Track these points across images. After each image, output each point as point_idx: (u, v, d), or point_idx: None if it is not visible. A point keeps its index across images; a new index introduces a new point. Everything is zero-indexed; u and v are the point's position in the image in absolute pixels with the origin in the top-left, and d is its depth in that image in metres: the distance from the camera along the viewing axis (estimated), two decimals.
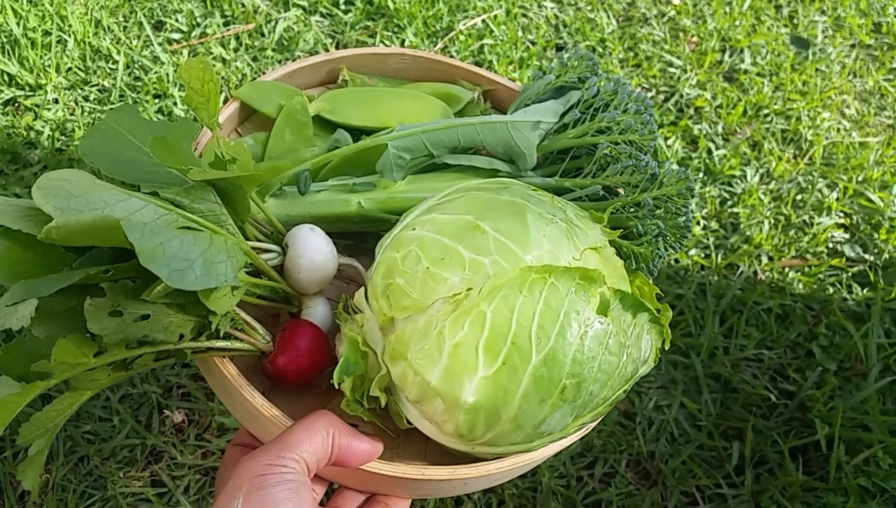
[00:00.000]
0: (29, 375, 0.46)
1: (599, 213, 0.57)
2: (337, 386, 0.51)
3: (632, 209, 0.60)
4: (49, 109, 1.15)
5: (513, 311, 0.46)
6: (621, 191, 0.63)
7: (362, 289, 0.53)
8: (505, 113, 0.74)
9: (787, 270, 1.18)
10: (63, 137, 1.13)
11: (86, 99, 1.18)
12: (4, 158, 1.08)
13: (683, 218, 0.59)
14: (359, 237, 0.64)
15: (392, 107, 0.68)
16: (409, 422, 0.51)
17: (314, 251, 0.54)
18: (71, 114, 1.16)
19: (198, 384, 0.92)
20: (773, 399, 1.02)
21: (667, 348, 0.54)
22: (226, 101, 0.84)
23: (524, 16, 1.44)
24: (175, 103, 1.17)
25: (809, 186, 1.29)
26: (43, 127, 1.13)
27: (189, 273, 0.43)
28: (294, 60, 0.85)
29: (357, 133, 0.67)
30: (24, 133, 1.12)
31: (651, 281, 0.59)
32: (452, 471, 0.50)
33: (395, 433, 0.54)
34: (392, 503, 0.54)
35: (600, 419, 0.55)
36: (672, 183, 0.58)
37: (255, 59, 1.27)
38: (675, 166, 0.59)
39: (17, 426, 0.49)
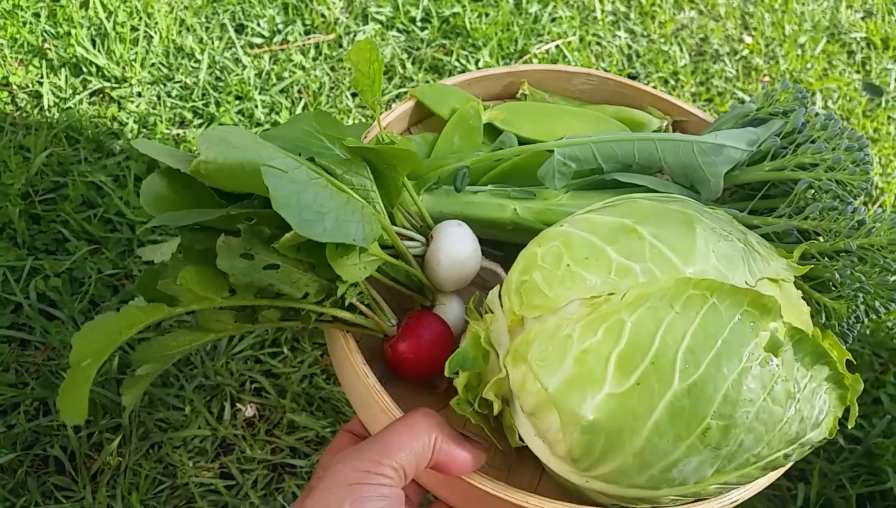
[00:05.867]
0: (159, 298, 0.47)
1: (789, 252, 0.48)
2: (450, 383, 0.48)
3: (829, 258, 0.51)
4: (132, 102, 1.19)
5: (659, 326, 0.40)
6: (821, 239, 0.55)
7: (497, 287, 0.49)
8: None
9: None
10: (145, 130, 1.17)
11: (168, 95, 1.22)
12: (89, 146, 1.12)
13: (892, 274, 0.50)
14: (509, 251, 0.60)
15: (570, 125, 0.65)
16: (521, 439, 0.46)
17: (457, 247, 0.53)
18: (153, 108, 1.20)
19: (270, 380, 0.94)
20: (840, 443, 1.03)
21: (850, 425, 0.46)
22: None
23: (598, 44, 1.47)
24: (256, 106, 1.21)
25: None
26: (127, 119, 1.17)
27: (318, 224, 0.43)
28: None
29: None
30: (109, 123, 1.16)
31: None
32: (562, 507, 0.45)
33: (507, 453, 0.50)
34: None
35: (750, 487, 0.47)
36: (884, 232, 0.49)
37: (333, 69, 1.31)
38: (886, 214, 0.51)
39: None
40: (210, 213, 0.46)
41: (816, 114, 0.57)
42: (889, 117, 1.47)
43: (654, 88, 1.41)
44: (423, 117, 0.70)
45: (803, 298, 0.47)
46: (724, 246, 0.43)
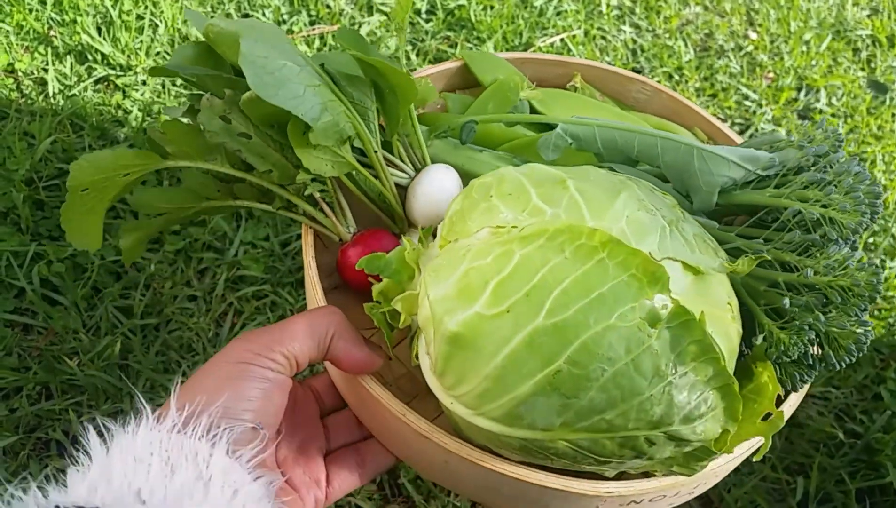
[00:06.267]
0: (155, 150, 0.54)
1: (742, 260, 0.45)
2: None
3: (797, 291, 0.48)
4: (137, 90, 1.20)
5: (545, 265, 0.40)
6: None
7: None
8: None
9: None
10: (149, 119, 1.17)
11: (173, 83, 1.22)
12: (93, 133, 1.13)
13: (857, 324, 0.46)
14: None
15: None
16: (416, 358, 0.48)
17: (436, 185, 0.56)
18: (158, 97, 1.20)
19: None
20: (840, 437, 1.03)
21: (756, 459, 0.45)
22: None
23: (602, 38, 1.47)
24: None
25: (882, 231, 1.30)
26: (131, 107, 1.17)
27: (273, 87, 0.46)
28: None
29: None
30: (113, 111, 1.17)
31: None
32: (430, 431, 0.47)
33: (417, 384, 0.53)
34: (369, 458, 0.53)
35: (628, 486, 0.47)
36: (850, 273, 0.45)
37: None
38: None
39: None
40: (206, 70, 0.51)
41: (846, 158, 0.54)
42: (893, 115, 1.47)
43: (659, 82, 1.41)
44: (470, 85, 0.72)
45: (758, 329, 0.47)
46: (643, 216, 0.43)
